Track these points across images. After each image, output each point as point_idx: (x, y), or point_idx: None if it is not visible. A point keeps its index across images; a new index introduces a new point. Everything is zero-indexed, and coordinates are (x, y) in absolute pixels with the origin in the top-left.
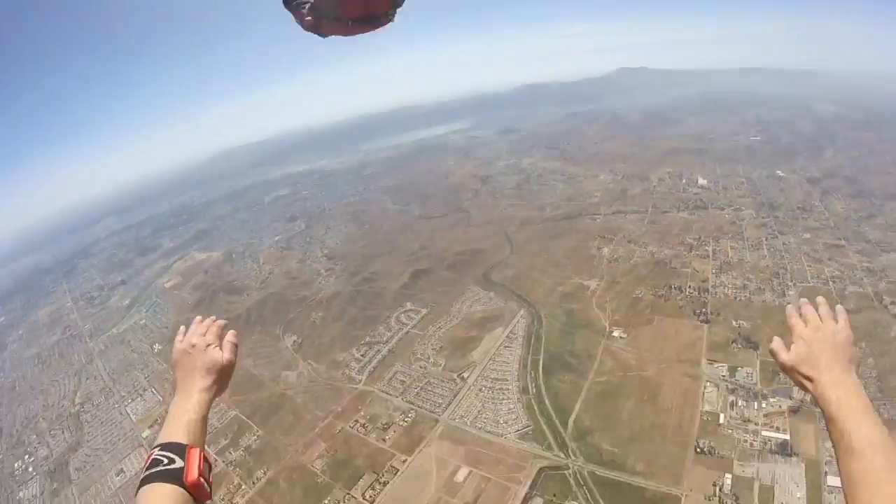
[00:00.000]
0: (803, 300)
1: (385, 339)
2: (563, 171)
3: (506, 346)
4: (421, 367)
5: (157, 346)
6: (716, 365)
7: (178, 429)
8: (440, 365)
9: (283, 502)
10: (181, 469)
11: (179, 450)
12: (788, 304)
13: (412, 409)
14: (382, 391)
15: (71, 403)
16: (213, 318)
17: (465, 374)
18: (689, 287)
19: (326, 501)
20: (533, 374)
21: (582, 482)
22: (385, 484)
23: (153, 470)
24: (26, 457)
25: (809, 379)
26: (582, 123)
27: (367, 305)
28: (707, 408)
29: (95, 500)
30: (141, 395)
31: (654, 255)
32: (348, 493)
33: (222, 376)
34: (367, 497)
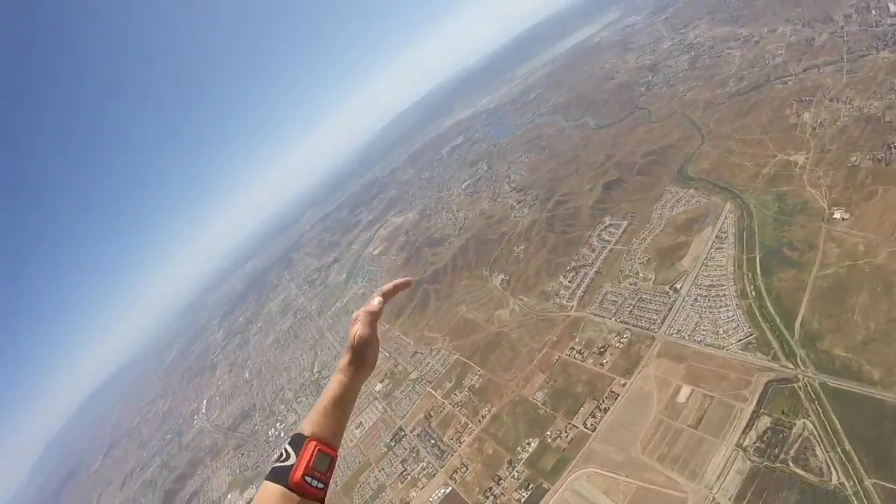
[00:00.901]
0: None
1: (590, 260)
2: (735, 35)
3: (717, 248)
4: (631, 284)
5: None
6: None
7: (309, 417)
8: (650, 279)
9: (508, 436)
10: (290, 467)
11: (298, 443)
12: None
13: (627, 329)
14: (595, 315)
15: (310, 373)
16: (393, 283)
17: (678, 285)
18: None
19: (549, 432)
20: (751, 275)
21: (814, 396)
22: (606, 410)
23: (272, 465)
24: (278, 424)
25: None
26: None
27: (566, 229)
28: None
29: (341, 451)
30: None
31: (864, 111)
32: (570, 423)
33: (357, 353)
34: (589, 425)
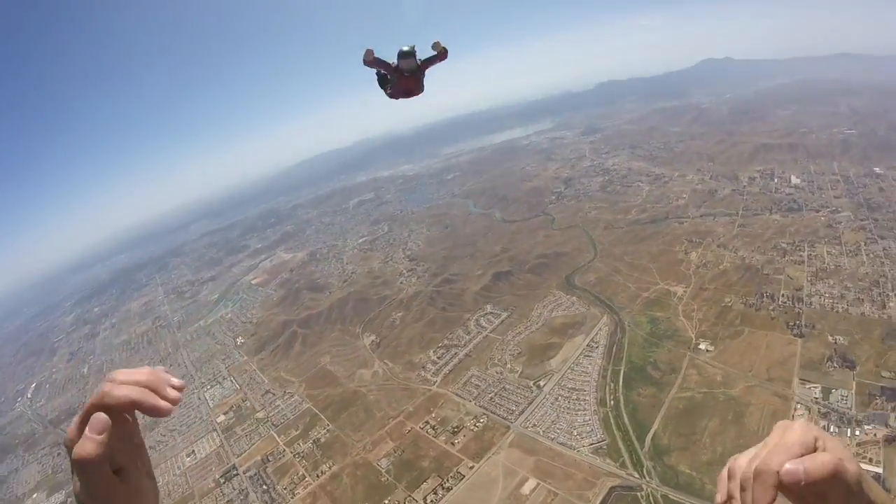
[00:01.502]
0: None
1: (463, 342)
2: (648, 171)
3: (586, 355)
4: (497, 373)
5: (239, 339)
6: (808, 385)
7: None
8: (517, 371)
9: (344, 498)
10: None
11: None
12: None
13: (485, 415)
14: (456, 394)
15: None
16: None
17: (542, 383)
18: (783, 296)
19: (387, 501)
20: (612, 386)
21: None
22: (449, 490)
23: None
24: None
25: None
26: (666, 120)
27: (447, 306)
28: None
29: (164, 477)
30: (220, 384)
31: (745, 261)
32: (410, 496)
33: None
34: (429, 501)
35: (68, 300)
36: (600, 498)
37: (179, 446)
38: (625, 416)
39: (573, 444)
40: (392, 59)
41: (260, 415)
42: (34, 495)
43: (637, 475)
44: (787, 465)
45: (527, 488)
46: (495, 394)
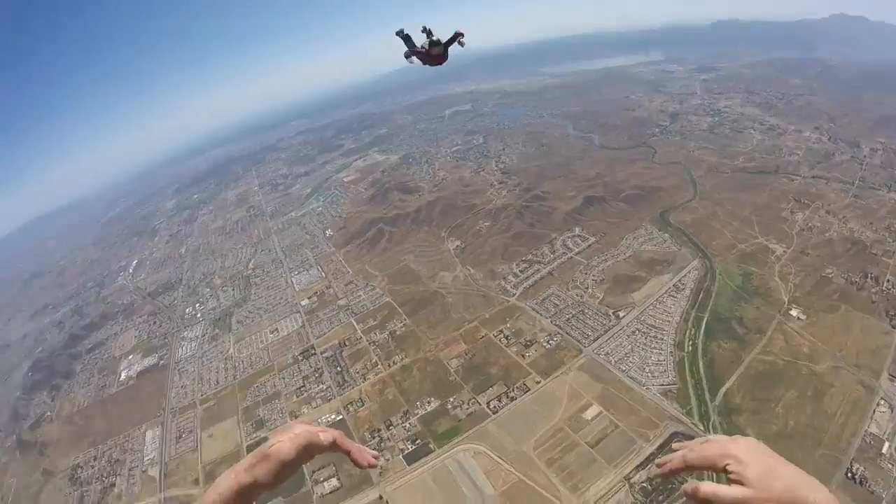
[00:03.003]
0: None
1: (547, 259)
2: (762, 119)
3: (671, 295)
4: (577, 296)
5: (328, 232)
6: None
7: None
8: (598, 298)
9: (412, 389)
10: None
11: None
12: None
13: (559, 334)
14: (533, 309)
15: (245, 268)
16: (357, 448)
17: (621, 314)
18: (888, 281)
19: (452, 399)
20: (693, 332)
21: None
22: (513, 399)
23: None
24: (198, 305)
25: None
26: (788, 70)
27: (535, 222)
28: (874, 429)
29: (247, 349)
30: (307, 270)
31: (854, 234)
32: (474, 398)
33: (264, 462)
34: (492, 406)
35: (170, 188)
36: (660, 440)
37: (264, 323)
38: (700, 365)
39: (643, 380)
40: (420, 43)
41: (342, 302)
42: (129, 357)
43: (702, 427)
44: (689, 486)
45: (589, 414)
46: (572, 315)
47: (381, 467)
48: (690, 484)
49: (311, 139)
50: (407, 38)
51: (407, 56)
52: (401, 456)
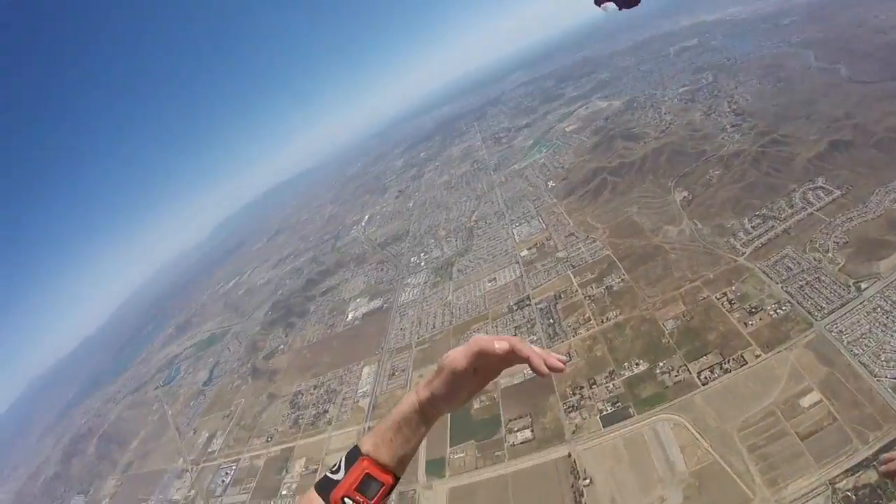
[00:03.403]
0: None
1: (784, 215)
2: None
3: None
4: (815, 259)
5: (550, 183)
6: None
7: (373, 431)
8: (838, 264)
9: (621, 348)
10: (336, 483)
11: (352, 458)
12: None
13: (789, 303)
14: (763, 272)
15: (468, 220)
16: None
17: (864, 285)
18: None
19: (662, 364)
20: None
21: None
22: (726, 371)
23: (324, 474)
24: (422, 254)
25: None
26: None
27: (772, 171)
28: None
29: (464, 296)
30: (528, 222)
31: None
32: (685, 365)
33: (440, 375)
34: (703, 377)
35: (398, 147)
36: (881, 444)
37: (484, 272)
38: None
39: (876, 369)
40: None
41: (561, 254)
42: (357, 300)
43: None
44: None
45: (807, 401)
46: (806, 283)
47: (576, 425)
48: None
49: (531, 90)
50: None
51: (597, 2)
52: (598, 417)
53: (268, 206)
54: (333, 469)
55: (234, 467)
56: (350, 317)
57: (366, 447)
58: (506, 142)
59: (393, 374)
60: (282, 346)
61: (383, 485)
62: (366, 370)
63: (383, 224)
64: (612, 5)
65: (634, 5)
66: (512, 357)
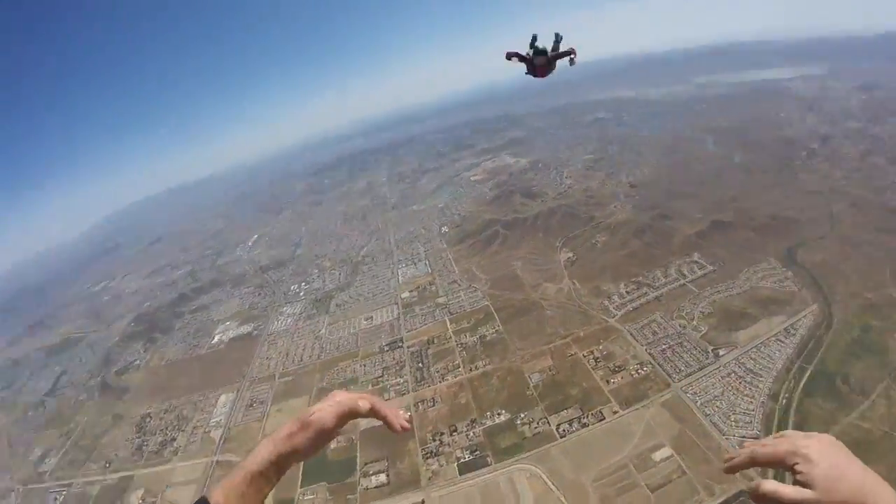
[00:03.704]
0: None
1: (658, 284)
2: None
3: (778, 340)
4: (680, 326)
5: (444, 228)
6: None
7: (224, 482)
8: (701, 331)
9: (486, 397)
10: None
11: None
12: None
13: (650, 364)
14: (631, 334)
15: (356, 254)
16: (390, 411)
17: (721, 352)
18: None
19: (523, 415)
20: (792, 384)
21: None
22: (584, 426)
23: None
24: (303, 283)
25: None
26: None
27: (654, 243)
28: None
29: (338, 332)
30: (415, 264)
31: None
32: (545, 418)
33: (304, 430)
34: (561, 430)
35: (305, 171)
36: (725, 497)
37: (362, 309)
38: (790, 422)
39: (725, 428)
40: (529, 51)
41: (441, 300)
42: (227, 322)
43: None
44: (761, 484)
45: (659, 455)
46: (669, 347)
47: (433, 472)
48: (754, 482)
49: (445, 136)
50: (532, 40)
51: (508, 57)
52: (456, 464)
53: (154, 210)
54: None
55: (64, 492)
56: (216, 339)
57: (215, 499)
58: (410, 182)
59: (251, 405)
60: (138, 362)
61: None
62: (223, 398)
63: (270, 247)
64: (518, 62)
65: (541, 76)
66: (372, 414)
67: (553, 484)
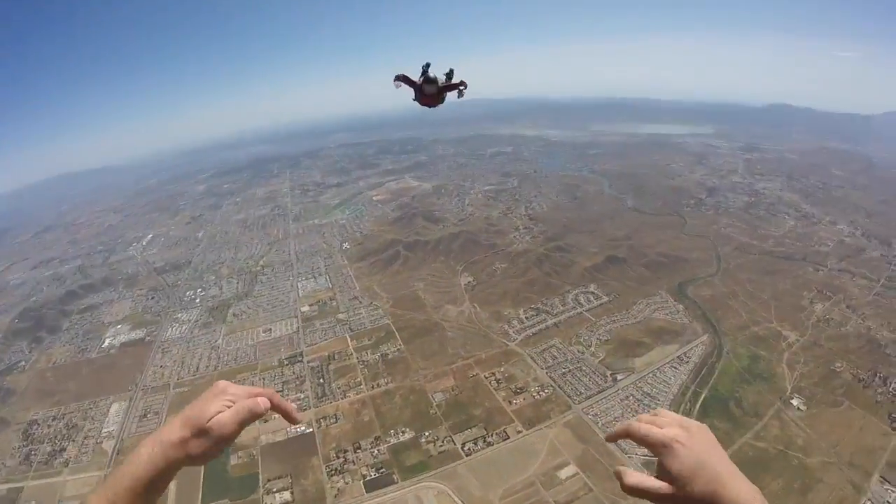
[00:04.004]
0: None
1: (556, 311)
2: (798, 206)
3: (673, 367)
4: (578, 351)
5: (346, 245)
6: (887, 486)
7: (100, 493)
8: (598, 357)
9: (389, 415)
10: None
11: None
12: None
13: (551, 387)
14: (531, 357)
15: (255, 263)
16: (286, 405)
17: (619, 377)
18: None
19: (428, 433)
20: (688, 407)
21: None
22: (490, 445)
23: None
24: (199, 290)
25: (714, 497)
26: (832, 160)
27: (552, 272)
28: None
29: (235, 342)
30: (315, 278)
31: (871, 332)
32: (450, 436)
33: (200, 438)
34: (466, 448)
35: (204, 173)
36: None
37: (260, 321)
38: None
39: (628, 448)
40: (419, 76)
41: (341, 316)
42: (118, 325)
43: None
44: (625, 474)
45: (564, 473)
46: (569, 371)
47: (339, 489)
48: (621, 469)
49: (350, 153)
50: (425, 67)
51: (396, 79)
52: (362, 482)
53: (45, 196)
54: None
55: None
56: (107, 343)
57: None
58: (312, 195)
59: (145, 415)
60: (23, 363)
61: None
62: (115, 407)
63: (166, 248)
64: (405, 87)
65: (429, 105)
66: (272, 410)
67: (461, 501)
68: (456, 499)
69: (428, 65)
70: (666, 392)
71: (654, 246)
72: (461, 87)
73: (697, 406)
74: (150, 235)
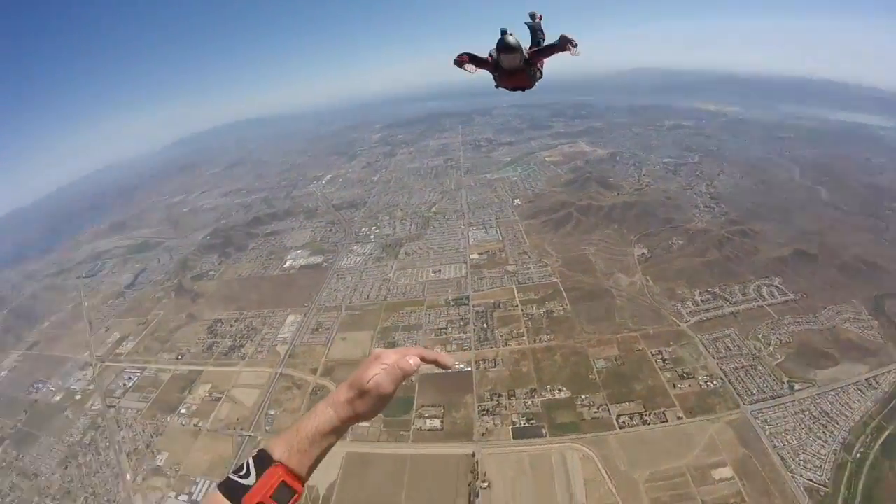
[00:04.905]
0: None
1: (735, 299)
2: None
3: (859, 389)
4: (755, 348)
5: (517, 201)
6: None
7: (284, 438)
8: (777, 359)
9: (548, 371)
10: (246, 488)
11: (263, 464)
12: None
13: (721, 379)
14: (703, 343)
15: (428, 209)
16: (439, 355)
17: (797, 386)
18: None
19: (584, 397)
20: (868, 440)
21: None
22: (645, 423)
23: (229, 476)
24: (374, 227)
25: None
26: None
27: (733, 257)
28: None
29: (405, 279)
30: (485, 229)
31: None
32: (606, 405)
33: (366, 401)
34: (621, 421)
35: (380, 122)
36: None
37: (430, 262)
38: (863, 479)
39: (793, 465)
40: (492, 50)
41: (510, 268)
42: (298, 251)
43: None
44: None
45: (719, 474)
46: (741, 367)
47: (487, 429)
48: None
49: (522, 113)
50: (502, 34)
51: (458, 63)
52: (510, 427)
53: (233, 137)
54: (241, 473)
55: (138, 374)
56: (288, 264)
57: (278, 454)
58: (485, 151)
59: (317, 329)
60: (212, 272)
61: (296, 493)
62: (291, 318)
63: (344, 188)
64: (473, 68)
65: (517, 86)
66: (425, 364)
67: (605, 471)
68: (601, 467)
69: (504, 31)
70: (847, 416)
71: (850, 248)
72: (570, 47)
73: (878, 443)
74: (330, 175)
